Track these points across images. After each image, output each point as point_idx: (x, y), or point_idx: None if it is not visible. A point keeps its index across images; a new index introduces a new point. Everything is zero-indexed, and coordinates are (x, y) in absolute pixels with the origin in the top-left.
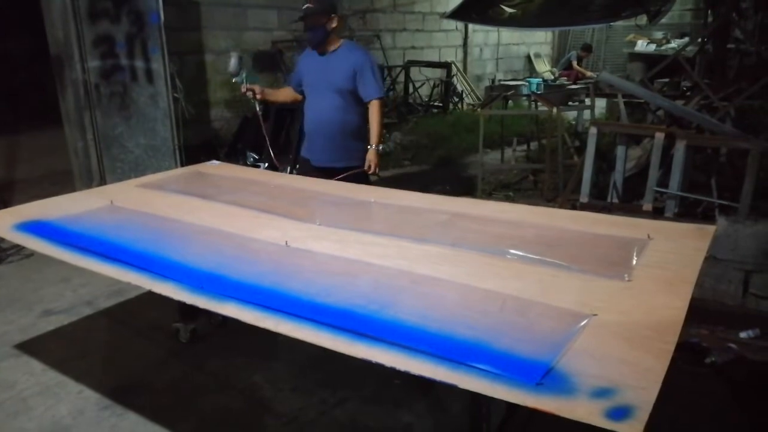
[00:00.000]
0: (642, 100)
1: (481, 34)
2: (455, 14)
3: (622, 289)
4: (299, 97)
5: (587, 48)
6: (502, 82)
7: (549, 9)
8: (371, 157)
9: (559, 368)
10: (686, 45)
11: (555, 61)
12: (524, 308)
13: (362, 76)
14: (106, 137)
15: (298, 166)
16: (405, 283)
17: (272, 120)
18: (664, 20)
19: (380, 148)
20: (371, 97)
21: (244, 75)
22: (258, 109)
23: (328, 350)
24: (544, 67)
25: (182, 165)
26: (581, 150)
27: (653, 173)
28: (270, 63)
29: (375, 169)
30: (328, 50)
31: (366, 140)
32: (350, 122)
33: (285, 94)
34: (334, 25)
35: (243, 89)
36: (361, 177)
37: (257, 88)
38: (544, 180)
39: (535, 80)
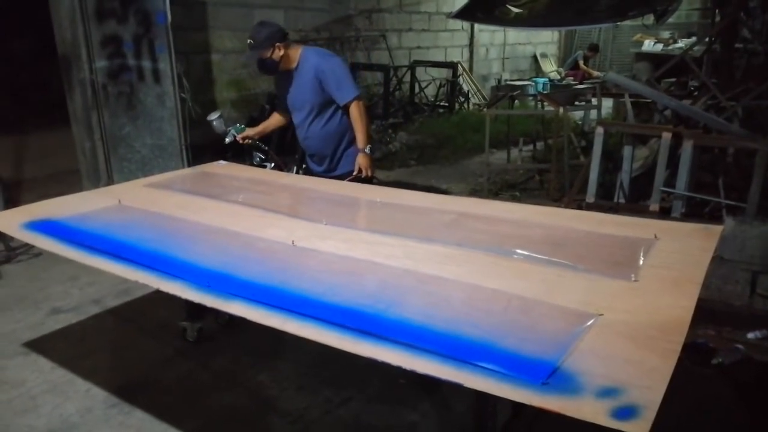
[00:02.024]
0: (649, 100)
1: (487, 34)
2: (461, 14)
3: (628, 289)
4: (289, 117)
5: (594, 48)
6: (508, 82)
7: (555, 9)
8: (360, 160)
9: (564, 368)
10: (693, 44)
11: (561, 61)
12: (530, 308)
13: (327, 84)
14: (113, 137)
15: (304, 166)
16: (411, 282)
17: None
18: (671, 20)
19: (368, 149)
20: (344, 100)
21: (232, 130)
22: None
23: (333, 349)
24: (550, 67)
25: (189, 165)
26: (588, 150)
27: (660, 173)
28: (276, 65)
29: (366, 172)
30: (291, 68)
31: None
32: (334, 131)
33: (276, 121)
34: (281, 53)
35: (240, 140)
36: (362, 179)
37: (250, 132)
38: (551, 180)
39: (541, 80)
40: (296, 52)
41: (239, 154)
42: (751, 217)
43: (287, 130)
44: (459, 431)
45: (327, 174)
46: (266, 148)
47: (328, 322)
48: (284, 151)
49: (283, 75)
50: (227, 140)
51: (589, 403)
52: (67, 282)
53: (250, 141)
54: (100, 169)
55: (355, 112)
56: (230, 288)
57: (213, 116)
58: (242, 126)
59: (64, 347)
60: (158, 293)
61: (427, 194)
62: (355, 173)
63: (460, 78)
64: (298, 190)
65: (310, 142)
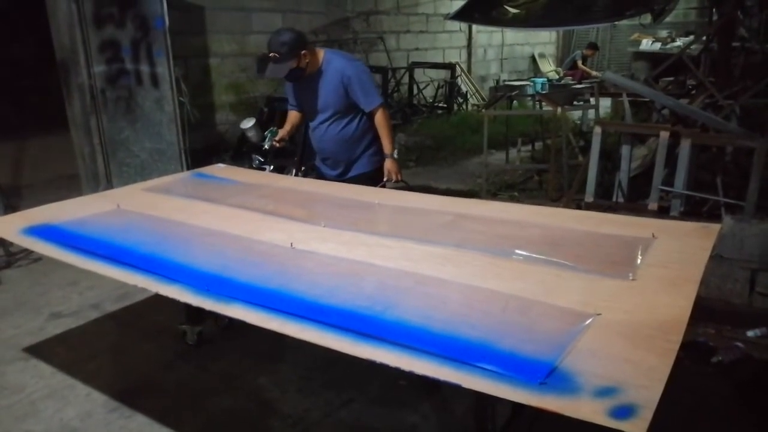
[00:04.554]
0: (647, 99)
1: (485, 35)
2: (459, 15)
3: (626, 288)
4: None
5: (593, 46)
6: (506, 83)
7: (553, 9)
8: (389, 166)
9: (562, 367)
10: (691, 43)
11: (560, 61)
12: (528, 308)
13: (353, 90)
14: (112, 141)
15: (303, 168)
16: (409, 283)
17: (278, 122)
18: (668, 19)
19: (395, 154)
20: (371, 107)
21: (268, 135)
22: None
23: (333, 351)
24: (548, 67)
25: (188, 168)
26: (586, 150)
27: (658, 172)
28: (303, 72)
29: (396, 177)
30: (313, 72)
31: (373, 143)
32: (352, 133)
33: (298, 119)
34: (307, 60)
35: (276, 144)
36: (377, 183)
37: (283, 133)
38: (549, 180)
39: (539, 80)
40: (319, 55)
41: (238, 157)
42: (749, 215)
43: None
44: None
45: (340, 178)
46: (294, 147)
47: (327, 325)
48: (283, 154)
49: (304, 78)
50: (266, 146)
51: (587, 403)
52: (67, 287)
53: (284, 143)
54: (99, 173)
55: (381, 118)
56: (229, 291)
57: (247, 124)
58: (275, 129)
59: (64, 352)
60: (158, 297)
61: (425, 195)
62: (385, 179)
63: (459, 79)
64: (297, 193)
65: (325, 145)
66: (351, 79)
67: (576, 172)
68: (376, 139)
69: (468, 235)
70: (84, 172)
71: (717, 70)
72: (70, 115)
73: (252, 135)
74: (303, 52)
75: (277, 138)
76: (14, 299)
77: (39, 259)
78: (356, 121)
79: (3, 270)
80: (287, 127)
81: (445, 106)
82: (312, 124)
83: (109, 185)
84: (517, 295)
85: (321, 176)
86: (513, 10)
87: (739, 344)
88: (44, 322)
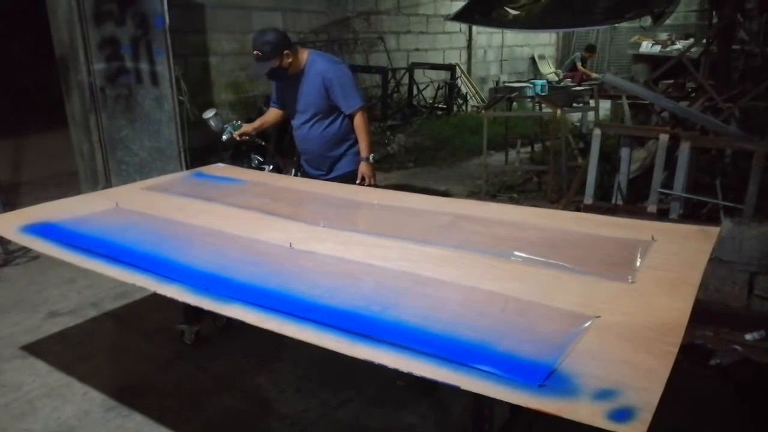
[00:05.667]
0: (646, 102)
1: (485, 36)
2: (459, 16)
3: (625, 290)
4: (285, 114)
5: (591, 48)
6: (506, 84)
7: (553, 11)
8: (363, 169)
9: (561, 370)
10: (691, 46)
11: (559, 63)
12: (527, 310)
13: (333, 92)
14: (111, 139)
15: (301, 170)
16: (408, 284)
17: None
18: (668, 21)
19: (371, 158)
20: (350, 109)
21: (229, 128)
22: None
23: (331, 352)
24: (548, 69)
25: (187, 167)
26: (585, 152)
27: (657, 175)
28: (285, 71)
29: (369, 180)
30: (296, 72)
31: (356, 143)
32: (334, 134)
33: (274, 116)
34: (289, 60)
35: (237, 138)
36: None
37: (248, 128)
38: (548, 182)
39: (539, 82)
40: (303, 56)
41: (237, 156)
42: (748, 218)
43: (285, 131)
44: None
45: (323, 177)
46: (263, 143)
47: (325, 325)
48: (282, 153)
49: (287, 78)
50: (224, 137)
51: (585, 406)
52: (65, 285)
53: (247, 138)
54: (98, 171)
55: (360, 121)
56: (228, 291)
57: (209, 114)
58: (239, 123)
59: (62, 350)
60: (156, 296)
61: (424, 196)
62: (357, 182)
63: (458, 80)
64: (296, 193)
65: (308, 145)
66: (332, 81)
67: (575, 174)
68: None
69: (467, 236)
70: (83, 170)
71: (717, 73)
72: (69, 113)
73: (213, 124)
74: (285, 52)
75: (238, 132)
76: (12, 297)
77: (37, 257)
78: (338, 121)
79: (1, 268)
80: (257, 123)
81: (445, 107)
82: (295, 124)
83: (108, 183)
84: (516, 297)
85: (306, 175)
86: (513, 12)
87: (738, 347)
88: (42, 320)
